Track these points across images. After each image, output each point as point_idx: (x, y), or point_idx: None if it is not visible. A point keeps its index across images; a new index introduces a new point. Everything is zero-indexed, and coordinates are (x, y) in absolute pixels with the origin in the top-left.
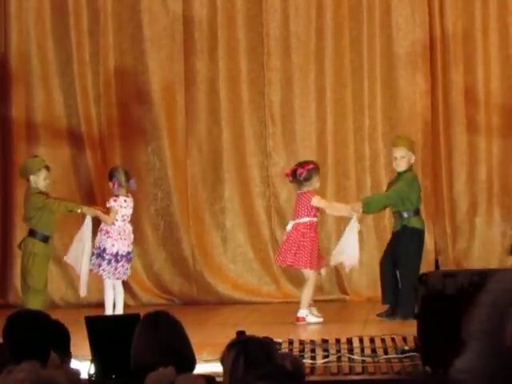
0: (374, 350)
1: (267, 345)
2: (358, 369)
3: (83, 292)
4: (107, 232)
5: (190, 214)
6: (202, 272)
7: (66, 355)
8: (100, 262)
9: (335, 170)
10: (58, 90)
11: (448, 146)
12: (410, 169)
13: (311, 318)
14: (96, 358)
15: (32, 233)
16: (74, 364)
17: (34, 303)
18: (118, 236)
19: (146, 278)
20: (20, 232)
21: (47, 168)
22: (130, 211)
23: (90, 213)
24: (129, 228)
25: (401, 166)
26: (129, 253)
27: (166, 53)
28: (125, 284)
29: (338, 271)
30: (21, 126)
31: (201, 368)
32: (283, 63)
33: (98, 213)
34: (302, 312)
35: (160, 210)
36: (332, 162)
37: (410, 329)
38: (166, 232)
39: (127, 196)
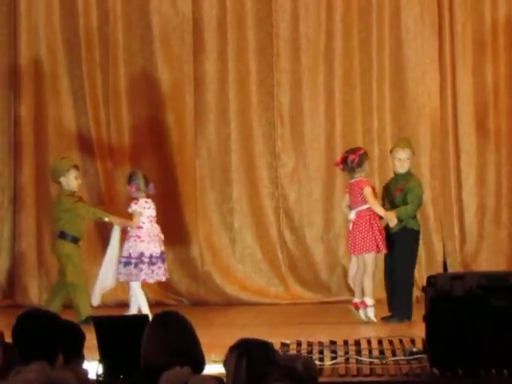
0: (381, 352)
1: (269, 347)
2: (366, 370)
3: (96, 301)
4: (138, 237)
5: (199, 215)
6: (210, 273)
7: (78, 356)
8: (141, 267)
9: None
10: (68, 90)
11: (456, 147)
12: (411, 172)
13: (371, 313)
14: (104, 359)
15: (62, 234)
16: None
17: (81, 301)
18: (149, 238)
19: None
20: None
21: (76, 167)
22: (154, 212)
23: (116, 222)
24: (157, 228)
25: (404, 168)
26: (162, 253)
27: (175, 53)
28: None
29: (346, 272)
30: (30, 126)
31: (209, 369)
32: (292, 64)
33: (124, 222)
34: (369, 300)
35: (168, 211)
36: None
37: (418, 330)
38: (174, 232)
39: (147, 198)
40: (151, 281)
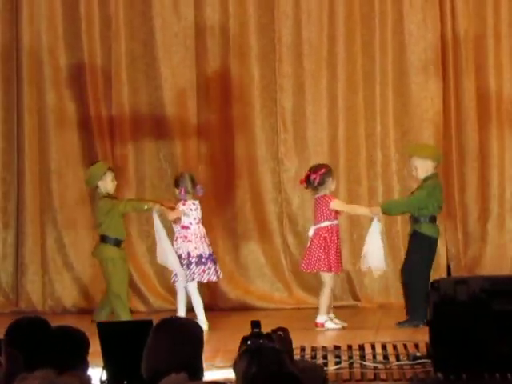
0: (385, 357)
1: (279, 353)
2: (370, 375)
3: (177, 268)
4: (186, 237)
5: (202, 220)
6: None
7: (82, 362)
8: (189, 266)
9: (347, 176)
10: (70, 96)
11: (460, 151)
12: (432, 176)
13: (330, 324)
14: (108, 365)
15: (104, 238)
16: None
17: (122, 312)
18: (197, 239)
19: (157, 284)
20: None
21: (111, 169)
22: (200, 214)
23: (157, 208)
24: (203, 230)
25: (417, 175)
26: (211, 254)
27: (177, 59)
28: (136, 290)
29: (349, 277)
30: (33, 131)
31: (213, 374)
32: (295, 69)
33: (164, 210)
34: (321, 318)
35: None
36: (344, 168)
37: (421, 335)
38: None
39: (195, 199)
40: (204, 280)
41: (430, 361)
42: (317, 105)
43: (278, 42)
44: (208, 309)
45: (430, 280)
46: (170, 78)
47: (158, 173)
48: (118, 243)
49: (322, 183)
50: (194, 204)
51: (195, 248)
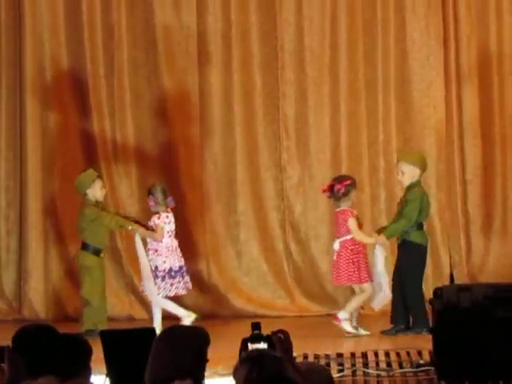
0: (389, 364)
1: (280, 361)
2: (373, 383)
3: (152, 296)
4: (156, 250)
5: (205, 228)
6: (216, 285)
7: (85, 369)
8: (156, 281)
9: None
10: (73, 103)
11: (462, 159)
12: (417, 183)
13: (346, 325)
14: (111, 372)
15: (84, 246)
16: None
17: (87, 318)
18: (168, 252)
19: None
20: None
21: (100, 178)
22: (173, 226)
23: (140, 232)
24: (175, 243)
25: (403, 181)
26: (181, 267)
27: (180, 67)
28: (139, 297)
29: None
30: (36, 139)
31: (216, 382)
32: (297, 77)
33: (148, 233)
34: (343, 314)
35: (175, 223)
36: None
37: (425, 343)
38: (181, 245)
39: (168, 212)
40: (170, 294)
41: (433, 368)
42: (319, 112)
43: (280, 49)
44: (210, 316)
45: (434, 288)
46: (173, 85)
47: (160, 180)
48: (97, 252)
49: (346, 194)
50: (167, 217)
51: (164, 262)
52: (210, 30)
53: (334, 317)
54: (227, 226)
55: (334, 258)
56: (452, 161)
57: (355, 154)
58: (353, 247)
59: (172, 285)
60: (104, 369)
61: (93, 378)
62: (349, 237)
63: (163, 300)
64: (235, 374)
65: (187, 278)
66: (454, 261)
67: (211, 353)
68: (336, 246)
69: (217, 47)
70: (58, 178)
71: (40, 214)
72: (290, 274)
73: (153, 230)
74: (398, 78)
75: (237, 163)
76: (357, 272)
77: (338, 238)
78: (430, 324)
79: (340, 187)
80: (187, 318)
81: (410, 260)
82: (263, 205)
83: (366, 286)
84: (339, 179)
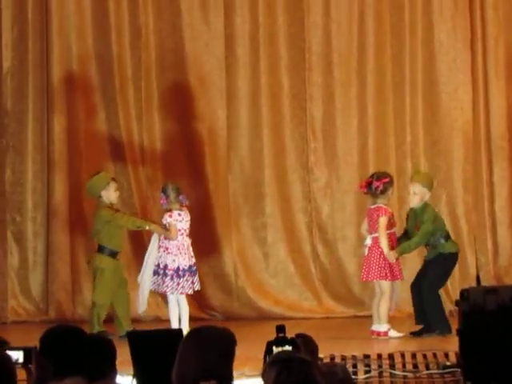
0: (415, 366)
1: (309, 364)
2: None
3: (141, 310)
4: (166, 248)
5: (232, 229)
6: (243, 287)
7: (111, 370)
8: (163, 279)
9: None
10: (100, 105)
11: (489, 161)
12: (429, 205)
13: (393, 333)
14: (138, 373)
15: (100, 248)
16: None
17: (96, 318)
18: (178, 251)
19: None
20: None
21: (114, 180)
22: (186, 225)
23: (157, 231)
24: (187, 242)
25: (414, 202)
26: (190, 266)
27: (207, 68)
28: (165, 299)
29: None
30: (63, 142)
31: (243, 383)
32: (325, 79)
33: (164, 232)
34: (384, 326)
35: (201, 225)
36: None
37: (451, 344)
38: (208, 247)
39: (181, 210)
40: (175, 293)
41: (459, 370)
42: (346, 114)
43: (307, 51)
44: (237, 318)
45: (460, 289)
46: (200, 87)
47: (188, 183)
48: (113, 254)
49: (383, 192)
50: (179, 215)
51: (173, 261)
52: (238, 32)
53: (376, 333)
54: (254, 228)
55: (366, 253)
56: (479, 162)
57: (382, 156)
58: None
59: (178, 284)
60: (131, 370)
61: (119, 379)
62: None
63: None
64: (263, 376)
65: (196, 278)
66: (480, 262)
67: (238, 354)
68: (368, 241)
69: (244, 49)
70: (84, 181)
71: (66, 216)
72: (316, 276)
73: (166, 228)
74: (426, 80)
75: (264, 165)
76: (388, 268)
77: (371, 234)
78: (446, 326)
79: (378, 184)
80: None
81: (443, 268)
82: (290, 207)
83: (387, 285)
84: (378, 176)
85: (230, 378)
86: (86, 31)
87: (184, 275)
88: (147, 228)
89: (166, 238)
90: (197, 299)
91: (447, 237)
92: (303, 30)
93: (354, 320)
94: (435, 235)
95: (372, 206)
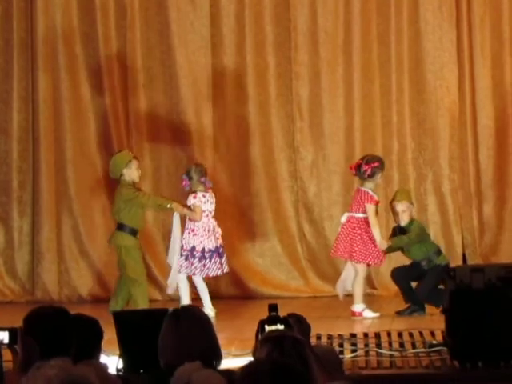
0: (402, 345)
1: (300, 343)
2: (386, 363)
3: (171, 290)
4: (193, 230)
5: (219, 209)
6: (230, 267)
7: (96, 350)
8: (191, 260)
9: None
10: (86, 84)
11: (475, 139)
12: (412, 220)
13: (368, 313)
14: (124, 353)
15: (121, 226)
16: (102, 359)
17: (140, 296)
18: (204, 232)
19: None
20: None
21: (136, 158)
22: (211, 206)
23: (179, 210)
24: (213, 223)
25: (404, 220)
26: (217, 248)
27: (193, 48)
28: (153, 279)
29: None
30: (48, 120)
31: (229, 363)
32: (311, 58)
33: (186, 211)
34: (358, 307)
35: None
36: (360, 156)
37: (437, 323)
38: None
39: (205, 192)
40: (203, 275)
41: (446, 348)
42: (333, 93)
43: (293, 30)
44: (224, 297)
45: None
46: (186, 66)
47: (174, 161)
48: (133, 232)
49: (371, 176)
50: (204, 196)
51: (200, 242)
52: (223, 12)
53: (352, 313)
54: (240, 208)
55: (339, 230)
56: (465, 142)
57: (369, 136)
58: (356, 225)
59: (204, 266)
60: (117, 350)
61: (106, 359)
62: (357, 215)
63: (183, 279)
64: (255, 354)
65: (224, 260)
66: (466, 241)
67: (226, 334)
68: (343, 218)
69: (230, 28)
70: (70, 160)
71: (53, 196)
72: (303, 256)
73: (190, 208)
74: (412, 59)
75: (250, 144)
76: (357, 250)
77: (349, 212)
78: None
79: (366, 168)
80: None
81: (438, 278)
82: (276, 186)
83: (360, 267)
84: (367, 160)
85: (216, 357)
86: (71, 10)
87: (212, 257)
88: (168, 207)
89: (190, 220)
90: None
91: (439, 252)
92: (289, 9)
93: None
94: (429, 252)
95: (360, 188)
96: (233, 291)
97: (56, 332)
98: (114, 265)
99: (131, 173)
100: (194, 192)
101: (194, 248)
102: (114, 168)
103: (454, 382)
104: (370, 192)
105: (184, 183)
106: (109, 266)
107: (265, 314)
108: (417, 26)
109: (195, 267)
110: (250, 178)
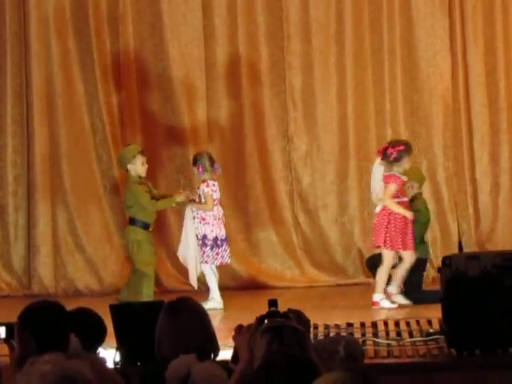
0: (399, 334)
1: (301, 333)
2: (384, 352)
3: (195, 285)
4: (203, 219)
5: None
6: None
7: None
8: (203, 249)
9: (357, 153)
10: (79, 78)
11: (469, 127)
12: (417, 197)
13: (385, 303)
14: (121, 346)
15: (132, 221)
16: (100, 352)
17: (147, 289)
18: (215, 221)
19: (169, 264)
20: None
21: (142, 153)
22: (219, 194)
23: (186, 203)
24: (221, 211)
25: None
26: (226, 236)
27: (185, 40)
28: (165, 270)
29: (361, 255)
30: (42, 114)
31: (226, 354)
32: (303, 47)
33: (198, 206)
34: (377, 296)
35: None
36: (353, 145)
37: (434, 311)
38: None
39: (214, 180)
40: (217, 263)
41: (443, 337)
42: (326, 82)
43: (285, 20)
44: (219, 288)
45: (442, 256)
46: (179, 58)
47: (168, 153)
48: (145, 226)
49: (398, 159)
50: (214, 185)
51: (211, 231)
52: (215, 2)
53: (372, 303)
54: (235, 198)
55: (374, 221)
56: (459, 129)
57: (362, 124)
58: (390, 211)
59: (218, 254)
60: (114, 343)
61: (103, 352)
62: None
63: (208, 269)
64: (254, 345)
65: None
66: (462, 229)
67: (222, 324)
68: (377, 208)
69: (222, 19)
70: (65, 153)
71: (48, 189)
72: (298, 245)
73: (200, 199)
74: (404, 46)
75: (244, 135)
76: (387, 237)
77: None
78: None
79: (392, 151)
80: (215, 303)
81: (412, 274)
82: (271, 176)
83: (388, 254)
84: (393, 143)
85: (213, 349)
86: (63, 4)
87: (222, 245)
88: (174, 205)
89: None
90: (179, 271)
91: (421, 240)
92: None
93: (337, 289)
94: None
95: (386, 173)
96: (228, 282)
97: (51, 326)
98: (109, 258)
99: (136, 168)
100: (204, 181)
101: (205, 236)
102: (120, 162)
103: (452, 370)
104: (397, 174)
105: (200, 170)
106: (105, 260)
107: (260, 304)
108: (409, 13)
109: (207, 255)
110: (244, 168)
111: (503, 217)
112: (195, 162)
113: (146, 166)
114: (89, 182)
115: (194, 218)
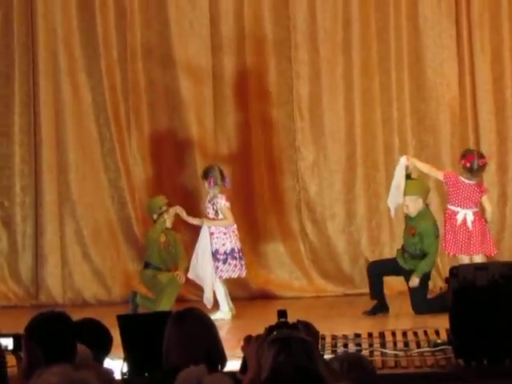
0: (406, 344)
1: (309, 345)
2: (391, 363)
3: (209, 305)
4: (212, 233)
5: None
6: None
7: (104, 353)
8: (216, 264)
9: (364, 162)
10: (86, 87)
11: (476, 136)
12: (424, 214)
13: None
14: (128, 357)
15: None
16: (107, 363)
17: (167, 303)
18: (227, 235)
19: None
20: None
21: (168, 205)
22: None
23: (207, 224)
24: (235, 224)
25: (410, 212)
26: (240, 249)
27: (193, 49)
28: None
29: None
30: (50, 123)
31: (233, 365)
32: (311, 56)
33: (218, 223)
34: None
35: (190, 205)
36: (361, 154)
37: (442, 322)
38: (197, 227)
39: (222, 193)
40: (234, 275)
41: (450, 347)
42: (333, 91)
43: (292, 29)
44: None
45: (450, 266)
46: (186, 67)
47: (175, 163)
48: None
49: (471, 169)
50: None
51: (223, 245)
52: (222, 11)
53: None
54: (242, 208)
55: (470, 228)
56: (466, 138)
57: (369, 134)
58: (483, 218)
59: (235, 266)
60: (121, 353)
61: (110, 363)
62: (476, 209)
63: (219, 284)
64: (261, 356)
65: (243, 261)
66: None
67: (230, 335)
68: (471, 217)
69: (229, 28)
70: (73, 163)
71: (55, 199)
72: (306, 255)
73: (216, 214)
74: (411, 55)
75: (251, 144)
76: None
77: (470, 208)
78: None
79: (464, 162)
80: (222, 313)
81: (423, 287)
82: (278, 186)
83: (479, 258)
84: (463, 153)
85: (221, 360)
86: (70, 12)
87: (238, 257)
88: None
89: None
90: (186, 280)
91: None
92: (288, 8)
93: (345, 298)
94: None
95: (471, 182)
96: (236, 292)
97: (58, 337)
98: (116, 268)
99: (161, 220)
100: (215, 196)
101: (217, 251)
102: (148, 211)
103: (460, 380)
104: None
105: (212, 184)
106: (112, 269)
107: (268, 315)
108: (416, 21)
109: (221, 270)
110: (251, 178)
111: (510, 226)
112: (206, 175)
113: (172, 219)
114: (96, 191)
115: (212, 233)
